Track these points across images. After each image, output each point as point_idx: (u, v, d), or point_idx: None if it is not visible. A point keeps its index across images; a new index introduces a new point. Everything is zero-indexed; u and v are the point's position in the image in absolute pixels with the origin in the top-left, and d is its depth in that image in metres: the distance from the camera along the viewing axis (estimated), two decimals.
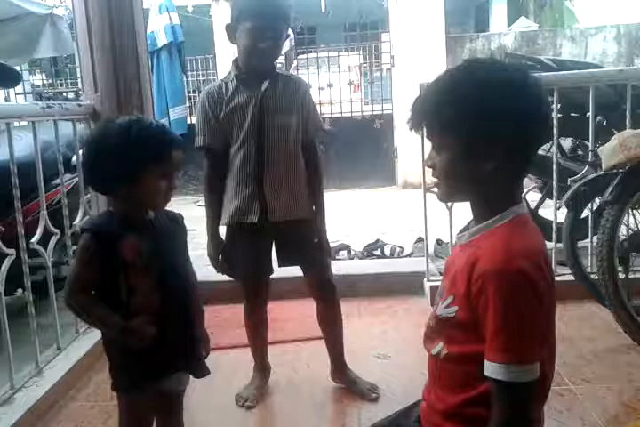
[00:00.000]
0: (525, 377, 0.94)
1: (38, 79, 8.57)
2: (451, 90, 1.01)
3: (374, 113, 7.76)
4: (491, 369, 0.95)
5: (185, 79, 7.84)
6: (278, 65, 2.07)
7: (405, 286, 3.16)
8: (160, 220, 1.45)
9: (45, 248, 2.34)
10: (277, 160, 2.00)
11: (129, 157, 1.32)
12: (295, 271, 2.16)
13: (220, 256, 2.11)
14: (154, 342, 1.34)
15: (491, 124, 0.97)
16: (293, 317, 2.89)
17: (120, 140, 1.34)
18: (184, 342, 1.44)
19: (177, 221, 1.51)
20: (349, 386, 2.18)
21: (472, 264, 0.99)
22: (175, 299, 1.41)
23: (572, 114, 3.63)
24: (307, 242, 2.10)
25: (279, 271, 2.15)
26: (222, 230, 2.12)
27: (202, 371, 1.52)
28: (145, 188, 1.36)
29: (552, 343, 1.05)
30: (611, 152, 2.46)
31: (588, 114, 3.08)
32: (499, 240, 1.00)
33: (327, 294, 2.17)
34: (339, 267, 2.72)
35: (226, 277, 3.29)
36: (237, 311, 2.99)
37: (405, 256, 3.96)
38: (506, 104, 0.97)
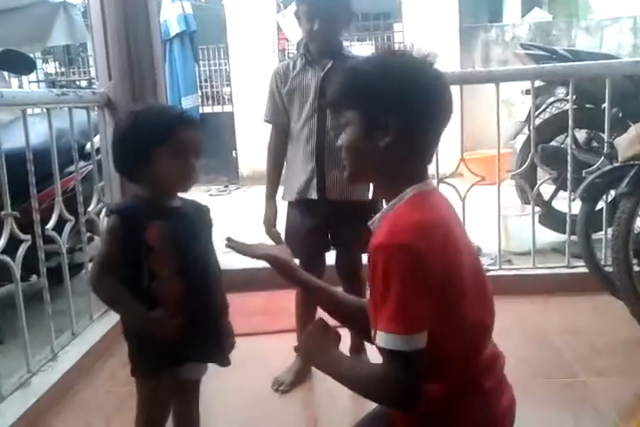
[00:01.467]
0: (407, 346, 0.96)
1: (51, 68, 8.58)
2: (351, 71, 1.10)
3: None
4: (377, 338, 0.99)
5: (197, 68, 7.83)
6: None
7: None
8: (186, 208, 1.46)
9: (60, 235, 2.35)
10: (338, 139, 2.02)
11: (139, 136, 1.36)
12: None
13: (271, 225, 2.20)
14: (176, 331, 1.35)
15: (380, 100, 1.04)
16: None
17: (133, 122, 1.40)
18: (206, 331, 1.44)
19: (203, 212, 1.52)
20: None
21: (370, 245, 1.04)
22: (197, 287, 1.41)
23: (587, 105, 3.60)
24: (356, 227, 2.11)
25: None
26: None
27: (225, 360, 1.52)
28: (159, 168, 1.37)
29: (474, 325, 1.06)
30: (627, 144, 2.45)
31: (603, 105, 3.05)
32: (391, 219, 1.06)
33: (354, 277, 2.19)
34: None
35: (237, 266, 3.33)
36: (248, 300, 3.03)
37: None
38: (395, 81, 1.04)
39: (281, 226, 2.25)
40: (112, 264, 1.36)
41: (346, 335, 2.15)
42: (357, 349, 2.23)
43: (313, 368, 2.23)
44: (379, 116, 1.05)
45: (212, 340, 1.47)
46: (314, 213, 2.10)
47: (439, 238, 1.00)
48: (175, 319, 1.35)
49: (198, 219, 1.48)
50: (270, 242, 2.19)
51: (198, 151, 1.42)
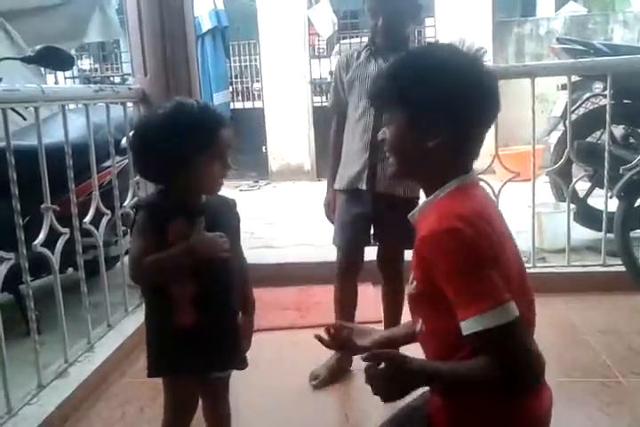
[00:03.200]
0: (503, 318, 0.94)
1: (86, 64, 8.71)
2: (400, 66, 1.09)
3: None
4: (466, 327, 0.96)
5: (228, 64, 7.87)
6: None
7: None
8: (212, 204, 1.43)
9: (97, 228, 2.39)
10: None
11: (179, 143, 1.28)
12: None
13: (329, 208, 2.27)
14: (192, 328, 1.36)
15: (431, 100, 1.02)
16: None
17: (167, 128, 1.30)
18: (223, 332, 1.43)
19: (229, 206, 1.49)
20: None
21: (418, 243, 1.04)
22: (216, 286, 1.39)
23: (625, 100, 3.53)
24: (399, 222, 2.11)
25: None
26: None
27: (240, 364, 1.50)
28: (199, 173, 1.33)
29: (524, 289, 1.07)
30: None
31: None
32: (435, 211, 1.05)
33: (395, 272, 2.20)
34: None
35: (262, 261, 3.36)
36: (277, 295, 3.04)
37: None
38: (447, 80, 1.01)
39: None
40: (145, 255, 1.32)
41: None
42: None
43: (352, 364, 2.24)
44: (428, 117, 1.03)
45: (225, 339, 1.44)
46: (361, 203, 2.11)
47: (485, 227, 1.00)
48: (190, 316, 1.35)
49: (223, 214, 1.44)
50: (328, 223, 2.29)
51: (231, 148, 1.39)
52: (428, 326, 1.11)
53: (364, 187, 2.08)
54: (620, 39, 7.31)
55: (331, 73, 7.72)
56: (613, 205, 2.88)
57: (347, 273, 2.22)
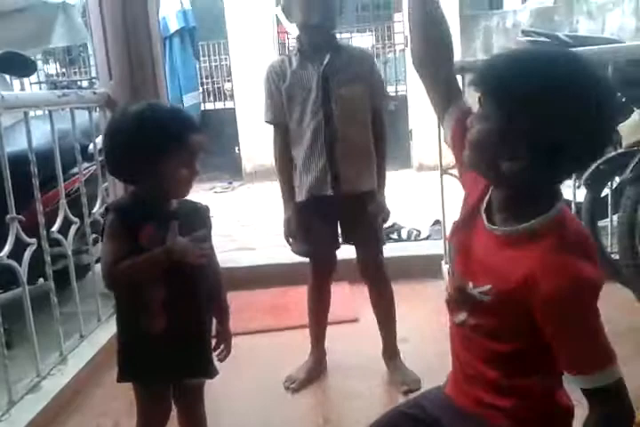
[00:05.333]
0: (618, 375, 0.95)
1: (52, 68, 8.59)
2: (539, 81, 0.90)
3: (388, 94, 7.68)
4: (579, 381, 0.96)
5: (198, 65, 7.82)
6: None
7: (423, 268, 3.16)
8: (184, 209, 1.43)
9: (65, 237, 2.36)
10: (346, 131, 2.02)
11: (148, 145, 1.30)
12: None
13: (292, 227, 2.15)
14: (161, 334, 1.35)
15: (555, 135, 0.89)
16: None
17: (137, 128, 1.31)
18: (193, 339, 1.43)
19: (202, 212, 1.49)
20: (391, 373, 2.20)
21: (529, 277, 0.94)
22: (188, 292, 1.39)
23: None
24: (368, 218, 2.11)
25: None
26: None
27: (210, 372, 1.49)
28: (167, 175, 1.34)
29: None
30: (631, 129, 2.44)
31: None
32: (552, 252, 0.94)
33: (378, 276, 2.20)
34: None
35: (237, 264, 3.35)
36: (253, 298, 3.03)
37: (423, 239, 3.95)
38: (567, 108, 0.88)
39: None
40: (117, 258, 1.32)
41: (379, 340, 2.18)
42: (391, 354, 2.24)
43: (327, 366, 2.25)
44: (518, 137, 0.92)
45: (195, 352, 1.44)
46: (325, 210, 2.07)
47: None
48: (160, 321, 1.35)
49: (195, 220, 1.44)
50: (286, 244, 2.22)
51: (200, 153, 1.39)
52: (478, 321, 1.06)
53: (329, 192, 2.03)
54: (585, 30, 7.40)
55: None
56: (582, 194, 2.91)
57: (323, 278, 2.21)
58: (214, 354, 1.52)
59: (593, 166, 2.73)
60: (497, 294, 1.00)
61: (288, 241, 2.20)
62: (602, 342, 0.96)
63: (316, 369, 2.24)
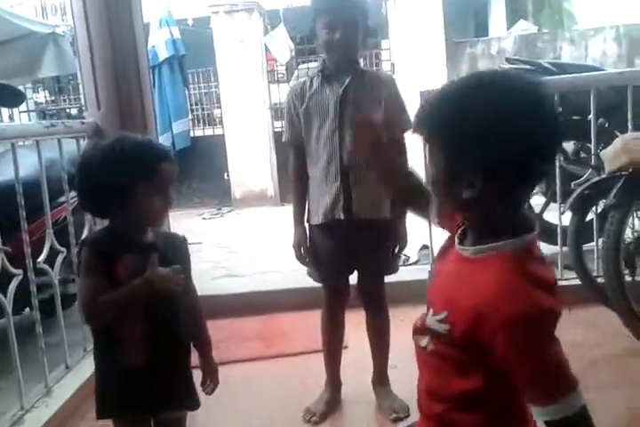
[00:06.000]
0: (579, 403, 0.91)
1: (41, 96, 8.63)
2: (447, 96, 0.95)
3: (410, 121, 7.72)
4: (539, 412, 0.93)
5: (187, 92, 7.89)
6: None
7: (411, 294, 3.14)
8: (162, 240, 1.43)
9: (52, 266, 2.35)
10: (362, 157, 1.99)
11: (117, 177, 1.29)
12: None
13: (302, 249, 2.11)
14: (140, 367, 1.34)
15: (468, 146, 0.91)
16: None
17: (105, 162, 1.31)
18: (173, 371, 1.41)
19: (179, 243, 1.48)
20: (379, 400, 2.17)
21: (481, 299, 0.93)
22: (166, 324, 1.38)
23: (574, 117, 3.63)
24: (379, 244, 2.07)
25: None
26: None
27: (191, 404, 1.47)
28: (139, 206, 1.34)
29: None
30: (613, 155, 2.46)
31: (589, 116, 3.08)
32: (510, 278, 0.93)
33: (378, 301, 2.18)
34: None
35: (225, 291, 3.33)
36: (242, 326, 3.01)
37: (411, 264, 3.95)
38: (497, 123, 0.89)
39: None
40: (95, 294, 1.31)
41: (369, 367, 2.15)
42: (381, 381, 2.22)
43: (343, 397, 2.21)
44: (463, 167, 0.93)
45: (175, 384, 1.42)
46: (339, 235, 2.04)
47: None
48: (138, 354, 1.34)
49: (173, 251, 1.43)
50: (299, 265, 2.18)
51: (172, 182, 1.39)
52: (439, 347, 1.04)
53: (341, 216, 2.00)
54: (568, 56, 7.56)
55: None
56: (568, 219, 2.94)
57: (335, 306, 2.18)
58: (201, 388, 1.51)
59: (578, 191, 2.77)
60: (452, 322, 0.99)
61: (303, 263, 2.16)
62: (559, 371, 0.91)
63: (335, 401, 2.20)
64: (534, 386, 0.93)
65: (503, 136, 0.89)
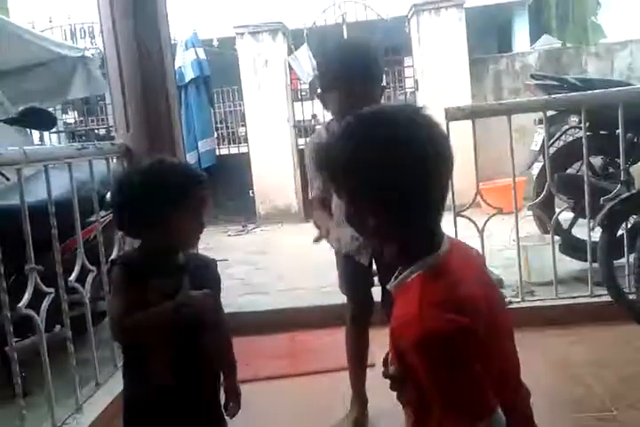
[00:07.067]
0: None
1: (71, 117, 8.81)
2: (332, 148, 1.02)
3: None
4: None
5: (212, 111, 8.00)
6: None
7: None
8: (193, 263, 1.45)
9: (83, 285, 2.39)
10: None
11: (155, 201, 1.33)
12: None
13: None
14: (170, 390, 1.35)
15: (361, 186, 0.97)
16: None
17: (142, 186, 1.35)
18: (202, 394, 1.42)
19: (210, 266, 1.50)
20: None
21: (393, 331, 0.98)
22: (196, 348, 1.38)
23: (602, 132, 3.61)
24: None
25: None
26: None
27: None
28: (173, 229, 1.36)
29: (502, 373, 1.01)
30: None
31: (617, 131, 3.06)
32: (408, 306, 0.95)
33: None
34: None
35: (252, 308, 3.34)
36: (268, 343, 3.01)
37: None
38: (373, 163, 0.95)
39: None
40: (126, 312, 1.33)
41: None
42: None
43: (370, 416, 2.19)
44: (356, 200, 1.00)
45: (205, 407, 1.43)
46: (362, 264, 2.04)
47: (469, 309, 0.93)
48: (169, 377, 1.35)
49: (204, 274, 1.45)
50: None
51: (207, 206, 1.42)
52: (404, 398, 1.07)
53: (364, 262, 2.00)
54: (594, 71, 7.50)
55: (313, 117, 7.84)
56: (598, 234, 2.91)
57: (360, 320, 2.18)
58: (224, 411, 1.51)
59: (608, 207, 2.74)
60: (393, 361, 1.03)
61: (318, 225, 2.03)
62: (467, 398, 0.90)
63: (362, 419, 2.18)
64: (443, 410, 0.92)
65: (377, 176, 0.95)
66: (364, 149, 0.96)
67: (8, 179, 2.82)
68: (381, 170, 0.95)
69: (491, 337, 0.96)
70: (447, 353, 0.90)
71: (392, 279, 1.06)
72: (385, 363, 1.10)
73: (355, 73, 1.88)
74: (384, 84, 2.00)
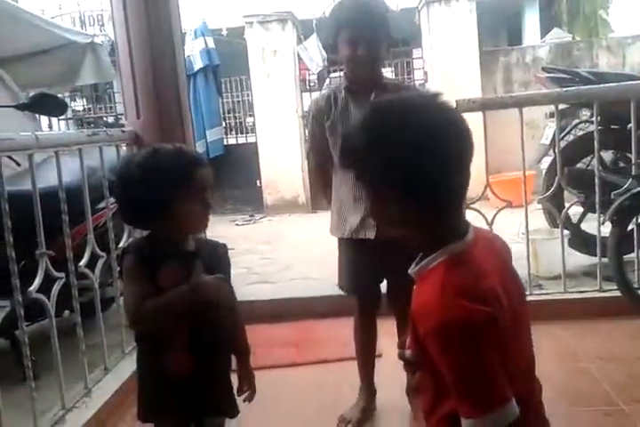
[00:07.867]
0: (503, 421, 0.91)
1: (79, 105, 8.82)
2: (355, 135, 1.02)
3: None
4: (466, 423, 0.92)
5: (220, 101, 7.99)
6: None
7: None
8: (204, 249, 1.44)
9: (92, 270, 2.39)
10: None
11: (154, 189, 1.31)
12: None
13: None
14: (183, 373, 1.35)
15: (385, 171, 0.97)
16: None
17: (140, 175, 1.33)
18: (215, 378, 1.43)
19: (221, 251, 1.49)
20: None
21: (413, 316, 1.00)
22: (210, 331, 1.39)
23: (613, 126, 3.58)
24: (408, 256, 2.06)
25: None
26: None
27: (231, 411, 1.49)
28: (178, 214, 1.35)
29: (519, 365, 1.01)
30: None
31: (629, 125, 3.03)
32: (429, 292, 0.96)
33: (407, 313, 2.15)
34: None
35: (259, 297, 3.34)
36: (276, 332, 3.02)
37: None
38: (404, 148, 0.95)
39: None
40: (140, 300, 1.32)
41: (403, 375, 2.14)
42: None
43: (377, 406, 2.21)
44: (384, 186, 0.99)
45: (217, 391, 1.43)
46: (367, 250, 2.03)
47: (490, 297, 0.94)
48: (182, 361, 1.35)
49: (215, 259, 1.45)
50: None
51: (211, 187, 1.40)
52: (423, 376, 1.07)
53: (371, 236, 1.99)
54: (605, 65, 7.45)
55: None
56: (607, 229, 2.90)
57: (367, 314, 2.19)
58: (239, 396, 1.51)
59: (618, 201, 2.73)
60: (411, 347, 1.06)
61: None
62: (485, 383, 0.91)
63: (370, 408, 2.19)
64: (459, 396, 0.93)
65: (401, 159, 0.95)
66: (388, 132, 0.96)
67: (19, 164, 2.83)
68: (405, 153, 0.95)
69: (509, 328, 0.96)
70: (466, 341, 0.91)
71: (413, 265, 1.07)
72: (402, 345, 1.13)
73: (366, 18, 1.93)
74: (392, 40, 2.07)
